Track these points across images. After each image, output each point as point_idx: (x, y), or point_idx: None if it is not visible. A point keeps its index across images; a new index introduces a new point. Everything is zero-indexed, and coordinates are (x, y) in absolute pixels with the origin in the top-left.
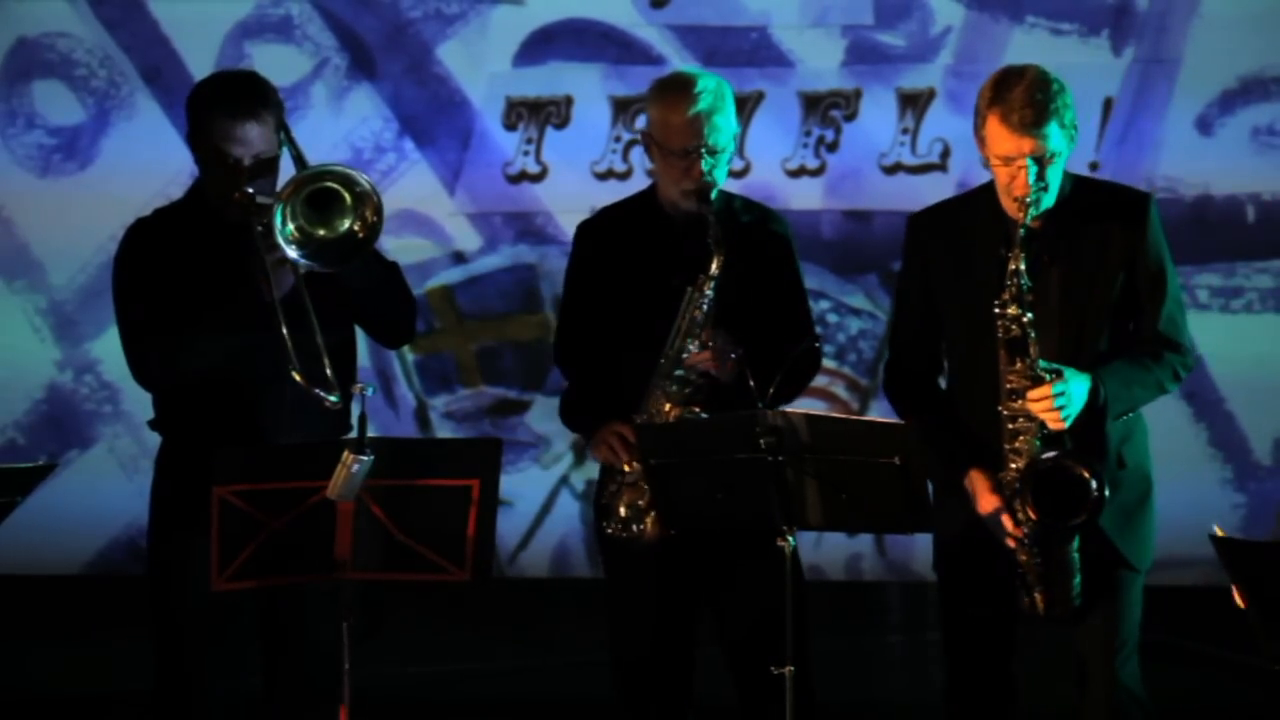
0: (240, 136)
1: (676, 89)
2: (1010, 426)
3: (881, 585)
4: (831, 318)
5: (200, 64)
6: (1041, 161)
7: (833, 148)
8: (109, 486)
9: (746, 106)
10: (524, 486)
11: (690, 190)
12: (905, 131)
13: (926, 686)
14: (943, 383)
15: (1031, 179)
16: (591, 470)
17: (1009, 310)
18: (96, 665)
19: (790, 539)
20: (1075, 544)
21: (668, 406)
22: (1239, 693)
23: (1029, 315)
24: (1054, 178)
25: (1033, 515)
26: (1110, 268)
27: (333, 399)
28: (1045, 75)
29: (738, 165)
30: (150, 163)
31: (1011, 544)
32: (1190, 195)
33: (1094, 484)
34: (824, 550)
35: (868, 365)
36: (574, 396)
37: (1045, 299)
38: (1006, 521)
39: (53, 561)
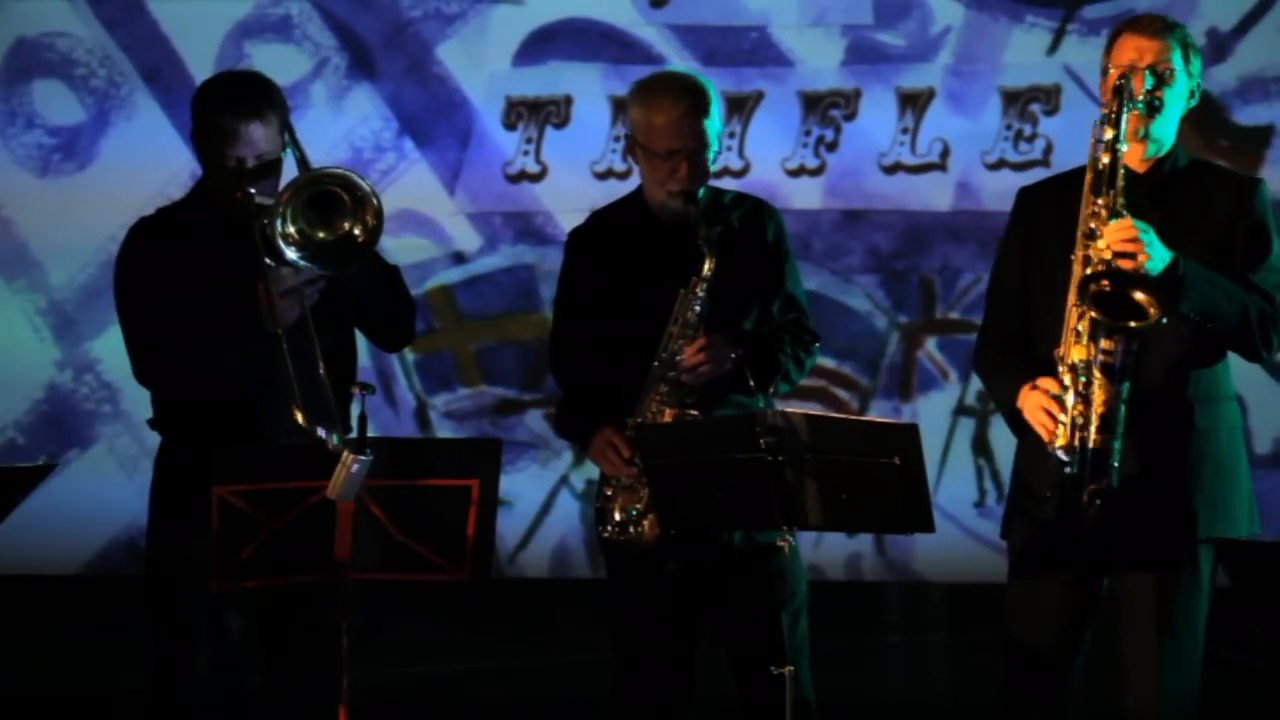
0: (244, 137)
1: (658, 90)
2: (1079, 273)
3: (881, 585)
4: (833, 317)
5: (200, 64)
6: (1159, 74)
7: (832, 147)
8: (109, 486)
9: (746, 106)
10: (524, 486)
11: (675, 192)
12: (905, 131)
13: (927, 686)
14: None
15: (1148, 85)
16: (592, 470)
17: (1105, 132)
18: (96, 665)
19: (790, 539)
20: (1125, 391)
21: (663, 409)
22: (1239, 693)
23: (1124, 145)
24: (1170, 104)
25: (1090, 310)
26: (1207, 225)
27: (334, 440)
28: (1179, 22)
29: (737, 165)
30: (150, 162)
31: (1049, 421)
32: None
33: (1152, 301)
34: (824, 550)
35: (868, 365)
36: (568, 405)
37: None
38: (1047, 384)
39: (53, 561)
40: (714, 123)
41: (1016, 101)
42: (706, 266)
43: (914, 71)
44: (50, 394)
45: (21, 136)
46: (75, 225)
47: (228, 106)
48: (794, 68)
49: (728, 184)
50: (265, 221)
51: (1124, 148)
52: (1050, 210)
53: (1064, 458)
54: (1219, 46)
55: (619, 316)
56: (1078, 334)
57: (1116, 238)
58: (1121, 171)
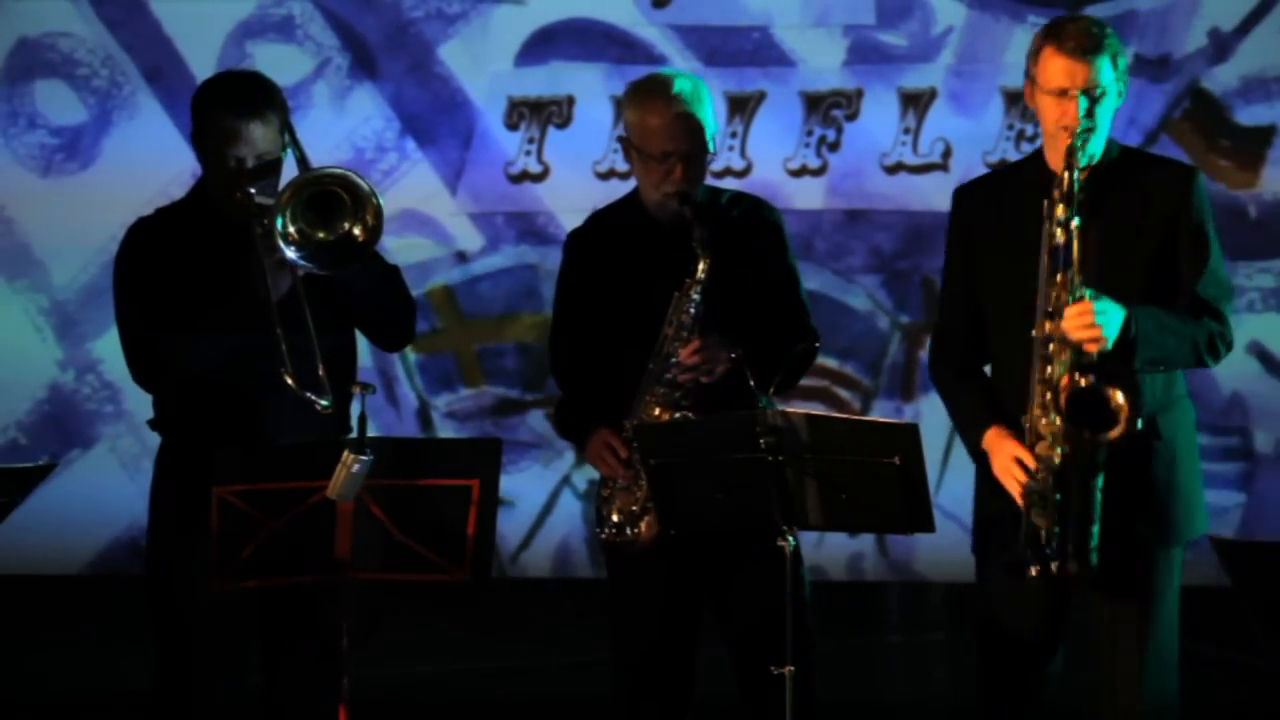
0: (244, 136)
1: (652, 92)
2: (1043, 353)
3: (882, 585)
4: (834, 317)
5: (202, 64)
6: (1092, 96)
7: (834, 147)
8: (110, 486)
9: (748, 106)
10: (526, 486)
11: (671, 194)
12: (907, 131)
13: (926, 686)
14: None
15: (1081, 112)
16: (593, 470)
17: (1057, 210)
18: (96, 665)
19: (790, 539)
20: (1099, 485)
21: (658, 410)
22: (1239, 693)
23: (1078, 221)
24: (1103, 118)
25: (1063, 423)
26: (1149, 229)
27: (324, 403)
28: (1100, 20)
29: (739, 165)
30: (152, 162)
31: (1021, 490)
32: None
33: (1128, 407)
34: (824, 550)
35: (868, 365)
36: (566, 405)
37: (1083, 256)
38: (1024, 456)
39: (53, 561)
40: (710, 123)
41: (1018, 101)
42: (701, 268)
43: (916, 71)
44: (52, 394)
45: (23, 136)
46: (77, 225)
47: (228, 106)
48: (796, 68)
49: (729, 184)
50: (265, 222)
51: (1077, 223)
52: (987, 212)
53: (1040, 528)
54: (1220, 46)
55: (616, 317)
56: (1044, 410)
57: (1076, 324)
58: (1076, 247)
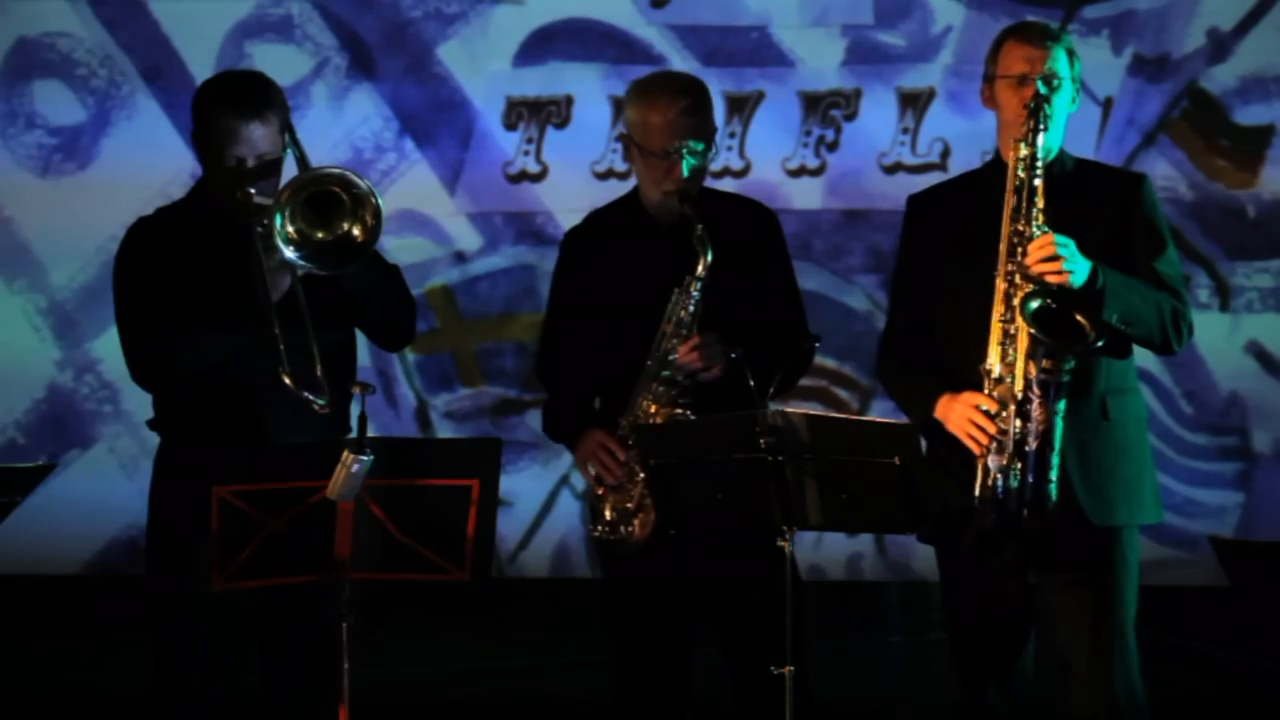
0: (245, 137)
1: (655, 90)
2: (1003, 293)
3: (881, 585)
4: (833, 317)
5: (200, 63)
6: (1049, 85)
7: (833, 147)
8: (109, 486)
9: (746, 106)
10: (524, 486)
11: (671, 191)
12: (905, 131)
13: (926, 686)
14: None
15: (1042, 91)
16: None
17: (1021, 150)
18: (96, 665)
19: (790, 539)
20: (1060, 407)
21: (654, 408)
22: (1239, 693)
23: (1041, 162)
24: (1058, 113)
25: (1036, 333)
26: (1100, 226)
27: (320, 402)
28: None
29: (738, 165)
30: (150, 162)
31: (983, 439)
32: (1190, 195)
33: (1090, 325)
34: (824, 550)
35: (868, 365)
36: (557, 407)
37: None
38: (983, 402)
39: (53, 561)
40: (711, 122)
41: None
42: (700, 266)
43: (914, 71)
44: (51, 394)
45: (22, 136)
46: (76, 225)
47: (228, 106)
48: (794, 68)
49: (728, 184)
50: (265, 222)
51: (1041, 161)
52: (943, 217)
53: (995, 470)
54: (1219, 46)
55: (613, 316)
56: (1003, 349)
57: (1038, 255)
58: (1040, 186)
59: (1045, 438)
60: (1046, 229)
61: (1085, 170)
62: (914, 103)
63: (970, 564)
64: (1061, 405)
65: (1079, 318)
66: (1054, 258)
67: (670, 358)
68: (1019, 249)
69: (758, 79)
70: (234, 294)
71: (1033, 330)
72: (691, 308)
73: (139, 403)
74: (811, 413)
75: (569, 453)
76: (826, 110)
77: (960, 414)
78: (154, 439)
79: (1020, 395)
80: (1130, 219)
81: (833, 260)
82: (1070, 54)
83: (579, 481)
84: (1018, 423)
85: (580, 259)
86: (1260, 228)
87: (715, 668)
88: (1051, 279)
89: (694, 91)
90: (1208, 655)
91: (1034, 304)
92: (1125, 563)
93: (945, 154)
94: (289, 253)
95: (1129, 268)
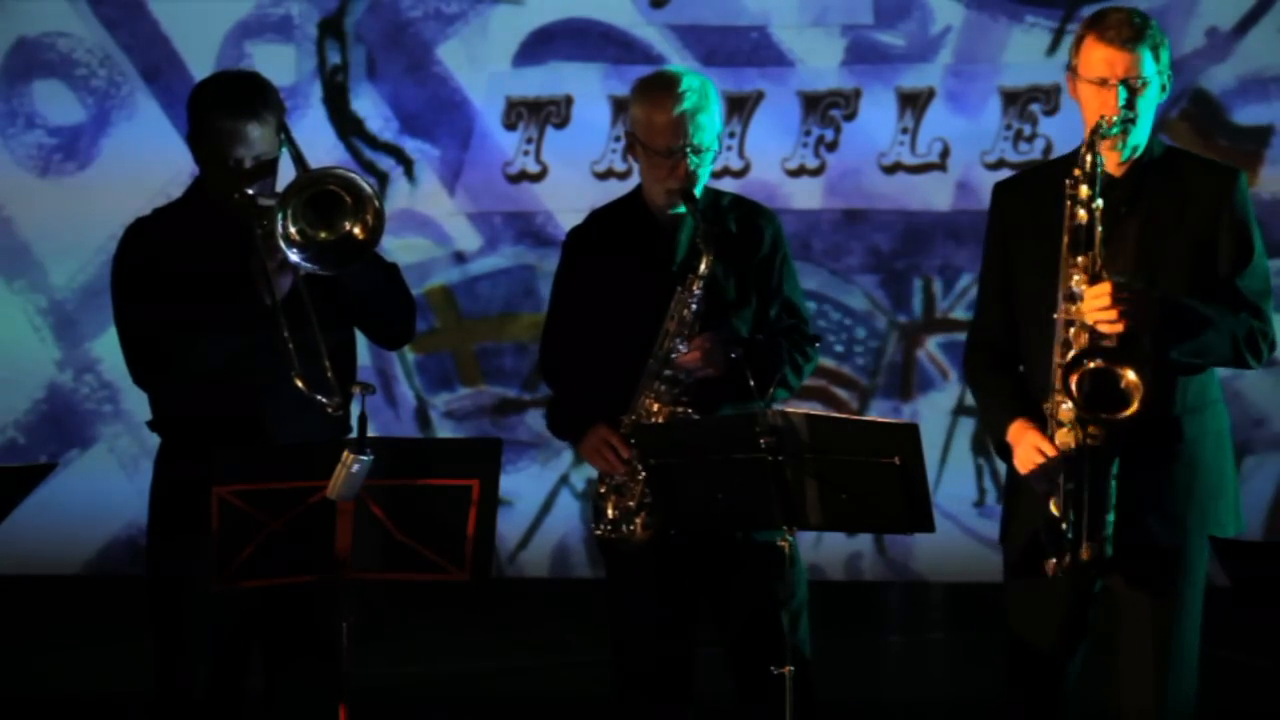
0: (242, 137)
1: (660, 88)
2: (1063, 337)
3: (881, 585)
4: (833, 317)
5: (200, 63)
6: (1132, 87)
7: (832, 147)
8: (109, 486)
9: (746, 106)
10: (524, 486)
11: (674, 190)
12: (905, 131)
13: (926, 686)
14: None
15: (1121, 101)
16: (592, 470)
17: (1080, 190)
18: (96, 665)
19: (790, 539)
20: (1114, 470)
21: (656, 407)
22: (1239, 693)
23: (1100, 202)
24: (1144, 111)
25: (1074, 401)
26: (1189, 225)
27: (336, 399)
28: (1143, 12)
29: (737, 165)
30: (150, 162)
31: (1043, 467)
32: None
33: (1140, 385)
34: (824, 550)
35: (868, 365)
36: (561, 404)
37: (1121, 249)
38: (1043, 445)
39: (53, 561)
40: (716, 122)
41: (1016, 101)
42: (704, 265)
43: (914, 71)
44: (51, 394)
45: (22, 136)
46: (76, 225)
47: (224, 107)
48: (794, 68)
49: (727, 184)
50: (265, 223)
51: (1099, 204)
52: (1023, 204)
53: (1058, 516)
54: (1219, 46)
55: (615, 315)
56: (1062, 393)
57: (1093, 307)
58: (1099, 231)
59: (1098, 499)
60: (1104, 274)
61: (1175, 160)
62: (913, 103)
63: (1035, 570)
64: (1115, 467)
65: (1130, 376)
66: (1107, 308)
67: (672, 356)
68: (1076, 294)
69: (757, 79)
70: (235, 295)
71: (1076, 403)
72: (694, 307)
73: (139, 403)
74: (811, 413)
75: (570, 452)
76: (826, 110)
77: (1025, 453)
78: (154, 439)
79: (1073, 453)
80: (1218, 221)
81: (832, 260)
82: (1156, 48)
83: (579, 481)
84: (1071, 483)
85: (582, 258)
86: (1260, 227)
87: (716, 668)
88: (1106, 329)
89: (700, 90)
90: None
91: (1077, 373)
92: (1189, 577)
93: (945, 154)
94: (291, 254)
95: (1214, 272)
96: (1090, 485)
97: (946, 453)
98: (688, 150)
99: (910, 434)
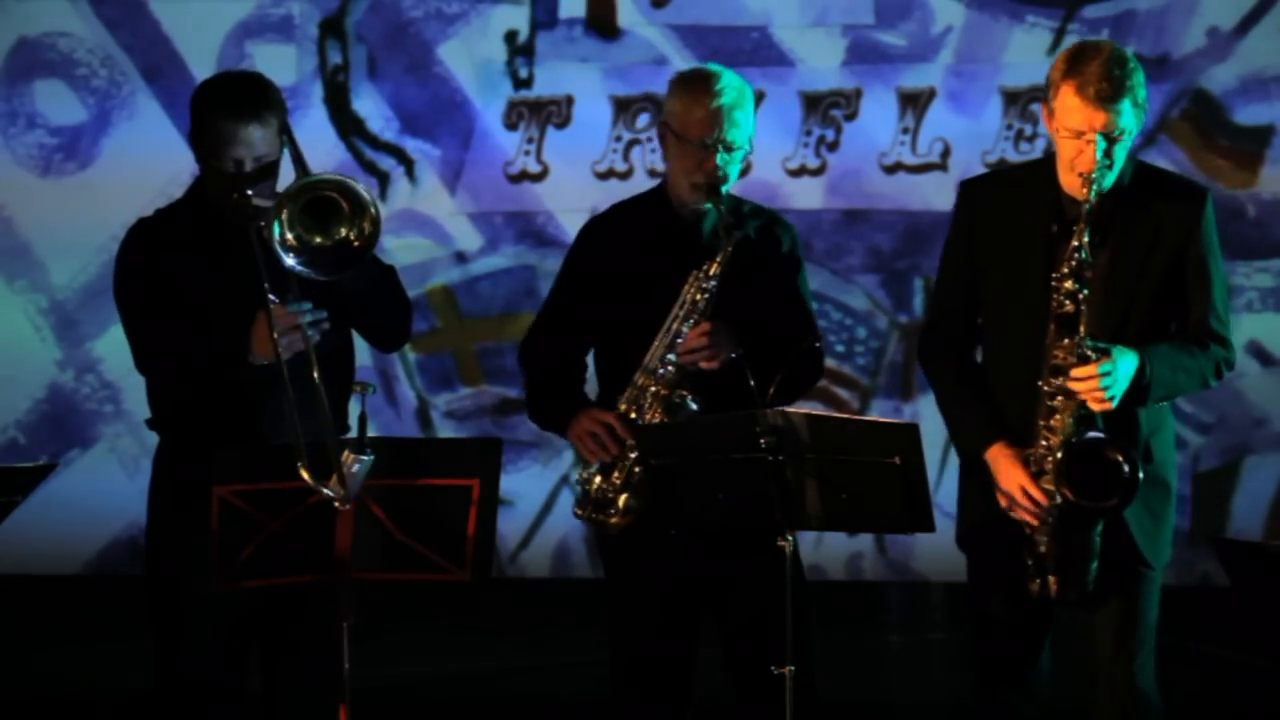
0: (243, 138)
1: (701, 80)
2: (1048, 403)
3: (881, 585)
4: (833, 317)
5: (201, 63)
6: (1111, 138)
7: (833, 147)
8: (109, 486)
9: None
10: (525, 486)
11: (701, 184)
12: (905, 131)
13: (926, 686)
14: (978, 357)
15: (1099, 155)
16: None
17: (1065, 285)
18: (96, 665)
19: (790, 539)
20: (1098, 529)
21: (654, 388)
22: (1239, 693)
23: (1085, 292)
24: (1119, 156)
25: (1067, 494)
26: (1158, 253)
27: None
28: (1122, 52)
29: None
30: (151, 162)
31: (1031, 520)
32: None
33: (1128, 469)
34: (824, 550)
35: (868, 365)
36: (541, 391)
37: (1091, 281)
38: (1032, 491)
39: (53, 561)
40: (750, 124)
41: (1017, 101)
42: (721, 254)
43: (915, 71)
44: (51, 393)
45: (23, 136)
46: (76, 225)
47: (226, 108)
48: (795, 68)
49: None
50: (262, 224)
51: (1085, 293)
52: (993, 213)
53: (1044, 553)
54: (1219, 46)
55: (623, 301)
56: (1048, 449)
57: (1084, 388)
58: (1083, 317)
59: (1083, 552)
60: (1089, 355)
61: (1145, 183)
62: (914, 103)
63: (998, 565)
64: (1099, 526)
65: (1116, 458)
66: (1096, 389)
67: (678, 340)
68: (1060, 370)
69: (758, 79)
70: (237, 294)
71: (1068, 490)
72: (707, 294)
73: (139, 402)
74: (811, 413)
75: (571, 452)
76: (827, 110)
77: (1011, 487)
78: (154, 439)
79: (1060, 513)
80: (1186, 251)
81: (833, 260)
82: (1134, 95)
83: None
84: (1052, 543)
85: (599, 243)
86: (1260, 227)
87: (717, 668)
88: (1096, 408)
89: (739, 89)
90: (1208, 655)
91: (1067, 459)
92: (1156, 588)
93: (945, 154)
94: (287, 258)
95: (1182, 299)
96: (1077, 539)
97: (947, 453)
98: (719, 145)
99: (910, 434)
